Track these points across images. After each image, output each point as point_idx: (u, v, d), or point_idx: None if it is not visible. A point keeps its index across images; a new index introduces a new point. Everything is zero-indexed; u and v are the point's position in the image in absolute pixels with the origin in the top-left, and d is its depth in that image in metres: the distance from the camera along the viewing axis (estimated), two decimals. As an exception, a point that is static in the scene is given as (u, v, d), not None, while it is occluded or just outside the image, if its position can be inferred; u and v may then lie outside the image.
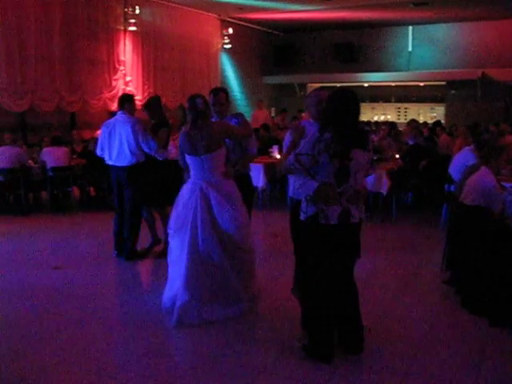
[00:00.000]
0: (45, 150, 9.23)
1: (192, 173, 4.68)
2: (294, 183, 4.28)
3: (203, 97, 4.71)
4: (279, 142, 10.68)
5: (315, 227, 3.64)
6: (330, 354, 3.76)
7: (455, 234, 5.43)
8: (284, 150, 4.56)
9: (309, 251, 3.79)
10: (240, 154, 4.99)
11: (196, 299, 4.42)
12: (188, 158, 4.66)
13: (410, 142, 9.42)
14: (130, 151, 6.06)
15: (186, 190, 4.68)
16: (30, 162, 9.28)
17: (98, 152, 6.36)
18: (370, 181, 7.30)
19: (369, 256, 5.77)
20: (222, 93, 5.13)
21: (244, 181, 5.00)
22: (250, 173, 5.29)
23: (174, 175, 6.06)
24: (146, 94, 13.20)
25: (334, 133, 3.56)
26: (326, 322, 3.75)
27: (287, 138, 4.48)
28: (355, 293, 3.86)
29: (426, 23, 16.73)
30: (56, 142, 9.30)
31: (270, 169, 9.24)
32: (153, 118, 6.33)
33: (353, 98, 3.63)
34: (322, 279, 3.72)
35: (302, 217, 3.72)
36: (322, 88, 4.29)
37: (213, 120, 4.88)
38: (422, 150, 9.09)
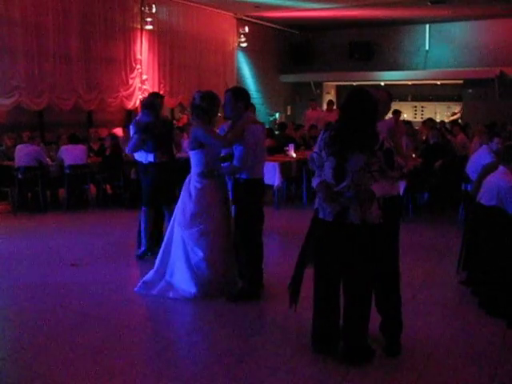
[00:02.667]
0: (62, 147, 9.32)
1: None
2: None
3: (209, 93, 4.95)
4: (295, 141, 10.69)
5: (315, 221, 3.77)
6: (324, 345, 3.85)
7: (472, 234, 5.39)
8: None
9: (312, 245, 3.84)
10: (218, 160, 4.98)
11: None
12: None
13: (432, 141, 9.35)
14: None
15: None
16: (47, 159, 9.38)
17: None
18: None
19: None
20: (227, 93, 4.89)
21: (248, 185, 4.90)
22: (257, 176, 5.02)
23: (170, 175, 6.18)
24: (161, 93, 13.23)
25: (333, 132, 3.64)
26: (323, 315, 3.83)
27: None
28: (362, 302, 3.72)
29: (443, 21, 16.60)
30: (73, 139, 9.39)
31: (286, 167, 9.24)
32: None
33: (357, 99, 3.59)
34: (318, 277, 3.82)
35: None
36: (378, 88, 4.24)
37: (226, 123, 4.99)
38: (439, 149, 9.03)
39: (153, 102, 6.23)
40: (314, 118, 14.19)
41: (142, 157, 6.15)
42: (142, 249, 6.28)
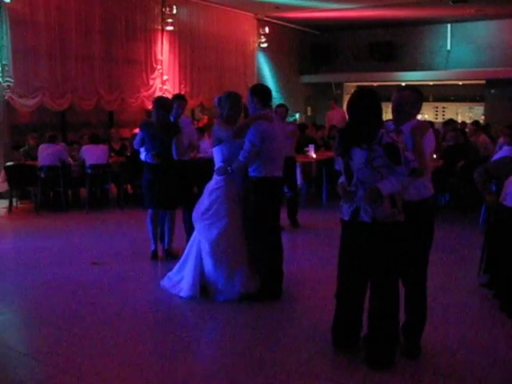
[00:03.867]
0: (84, 147, 9.43)
1: None
2: None
3: (230, 93, 5.12)
4: (315, 142, 10.67)
5: (340, 220, 3.83)
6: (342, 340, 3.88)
7: (494, 236, 5.32)
8: None
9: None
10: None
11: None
12: None
13: (451, 142, 9.27)
14: None
15: None
16: (69, 159, 9.49)
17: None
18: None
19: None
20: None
21: (258, 184, 4.93)
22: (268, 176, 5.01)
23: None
24: (182, 93, 13.32)
25: (339, 132, 3.84)
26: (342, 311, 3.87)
27: None
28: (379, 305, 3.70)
29: (464, 21, 16.40)
30: (94, 139, 9.49)
31: (306, 168, 9.22)
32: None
33: (358, 97, 3.65)
34: (339, 276, 3.87)
35: None
36: (404, 88, 4.01)
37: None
38: (460, 149, 8.95)
39: (161, 102, 6.19)
40: (334, 117, 14.15)
41: (142, 155, 6.26)
42: (151, 248, 6.36)
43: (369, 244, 3.64)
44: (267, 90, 5.06)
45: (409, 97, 3.76)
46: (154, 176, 6.10)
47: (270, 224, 4.97)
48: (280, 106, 7.81)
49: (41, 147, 9.14)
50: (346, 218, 3.69)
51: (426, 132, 3.71)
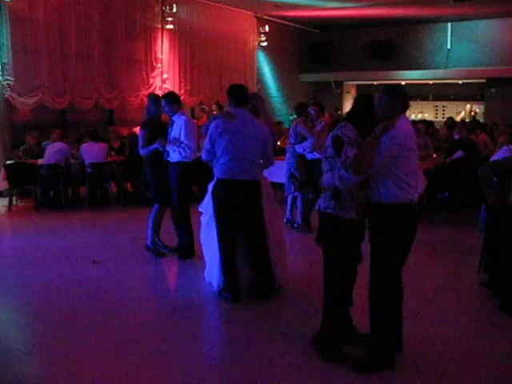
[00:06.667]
0: (83, 146, 9.42)
1: None
2: None
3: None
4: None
5: None
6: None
7: (494, 235, 5.32)
8: None
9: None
10: None
11: None
12: None
13: (456, 137, 9.25)
14: None
15: None
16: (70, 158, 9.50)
17: None
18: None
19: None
20: None
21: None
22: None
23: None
24: (182, 92, 13.35)
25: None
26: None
27: None
28: None
29: (465, 20, 16.42)
30: (93, 136, 9.44)
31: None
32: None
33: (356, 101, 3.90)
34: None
35: None
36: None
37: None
38: (461, 144, 8.94)
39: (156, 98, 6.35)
40: None
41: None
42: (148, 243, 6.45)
43: (320, 231, 3.81)
44: (238, 90, 4.96)
45: (380, 100, 3.56)
46: (147, 169, 6.29)
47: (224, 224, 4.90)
48: (311, 104, 7.67)
49: (49, 145, 9.15)
50: None
51: (389, 129, 3.37)
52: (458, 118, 15.43)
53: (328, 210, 3.64)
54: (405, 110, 3.62)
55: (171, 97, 6.14)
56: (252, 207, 4.88)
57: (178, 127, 5.95)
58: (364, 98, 3.81)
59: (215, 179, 4.91)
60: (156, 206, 6.31)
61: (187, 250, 6.22)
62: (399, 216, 3.55)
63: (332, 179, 3.57)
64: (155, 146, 5.97)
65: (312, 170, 7.01)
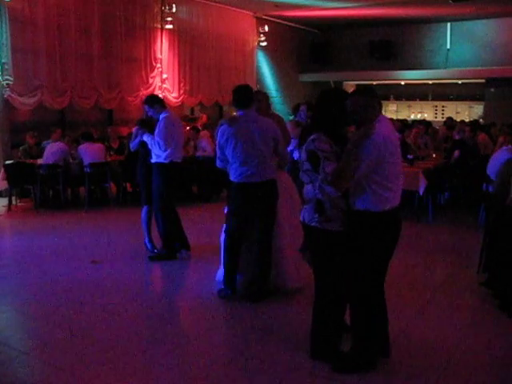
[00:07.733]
0: (80, 147, 9.40)
1: None
2: None
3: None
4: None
5: None
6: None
7: (493, 235, 5.32)
8: None
9: None
10: None
11: None
12: None
13: (457, 136, 9.27)
14: None
15: None
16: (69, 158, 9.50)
17: None
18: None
19: (404, 256, 5.71)
20: None
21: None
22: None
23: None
24: (181, 92, 13.37)
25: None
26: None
27: None
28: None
29: (464, 19, 16.41)
30: (88, 137, 9.40)
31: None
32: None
33: (319, 97, 3.81)
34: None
35: None
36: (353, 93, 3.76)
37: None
38: (461, 144, 8.95)
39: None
40: None
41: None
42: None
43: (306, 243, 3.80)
44: (240, 91, 4.88)
45: (357, 101, 3.40)
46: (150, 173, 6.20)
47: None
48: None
49: (49, 145, 9.15)
50: None
51: (369, 136, 3.25)
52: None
53: (313, 224, 3.54)
54: (381, 111, 3.52)
55: (151, 99, 6.14)
56: (266, 207, 4.83)
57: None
58: (332, 94, 3.76)
59: (232, 183, 4.88)
60: (145, 206, 6.32)
61: (169, 252, 6.19)
62: (382, 223, 3.42)
63: (313, 192, 3.50)
64: (141, 138, 6.01)
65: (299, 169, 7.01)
